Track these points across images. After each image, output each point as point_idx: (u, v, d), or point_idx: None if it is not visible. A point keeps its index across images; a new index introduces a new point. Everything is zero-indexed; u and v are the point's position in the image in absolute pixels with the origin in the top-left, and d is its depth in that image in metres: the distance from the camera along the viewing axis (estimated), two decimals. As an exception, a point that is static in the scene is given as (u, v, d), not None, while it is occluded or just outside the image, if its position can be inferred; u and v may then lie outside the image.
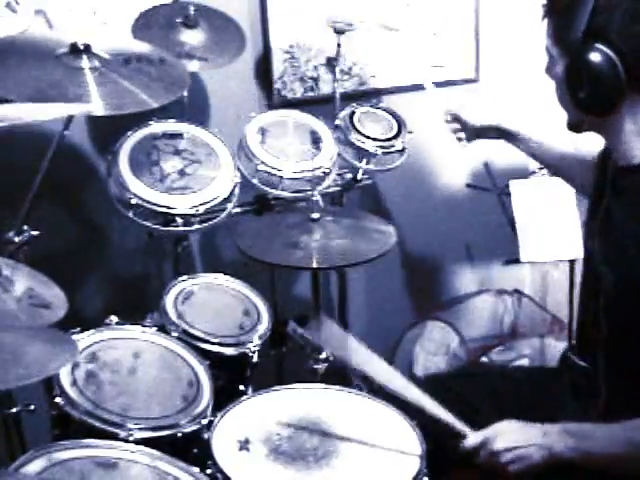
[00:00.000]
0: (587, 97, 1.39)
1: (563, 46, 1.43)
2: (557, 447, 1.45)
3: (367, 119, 2.39)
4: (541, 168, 2.71)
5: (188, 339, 1.82)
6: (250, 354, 1.89)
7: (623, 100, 1.39)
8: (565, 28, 1.40)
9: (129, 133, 2.07)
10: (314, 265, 1.99)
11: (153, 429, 1.54)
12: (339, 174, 2.37)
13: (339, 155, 2.31)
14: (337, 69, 2.44)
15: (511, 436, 1.48)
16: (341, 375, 2.53)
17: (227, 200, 2.07)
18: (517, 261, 2.51)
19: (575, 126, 1.50)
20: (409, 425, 1.58)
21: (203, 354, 1.79)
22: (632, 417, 1.42)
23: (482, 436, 1.51)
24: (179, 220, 2.01)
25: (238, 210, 2.19)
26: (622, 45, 1.35)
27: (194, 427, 1.58)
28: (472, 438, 1.53)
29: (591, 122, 1.46)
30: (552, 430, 1.47)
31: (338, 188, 2.40)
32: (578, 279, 2.51)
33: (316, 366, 2.30)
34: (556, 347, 2.79)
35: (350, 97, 2.56)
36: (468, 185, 2.83)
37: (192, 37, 2.21)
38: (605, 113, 1.41)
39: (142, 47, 1.95)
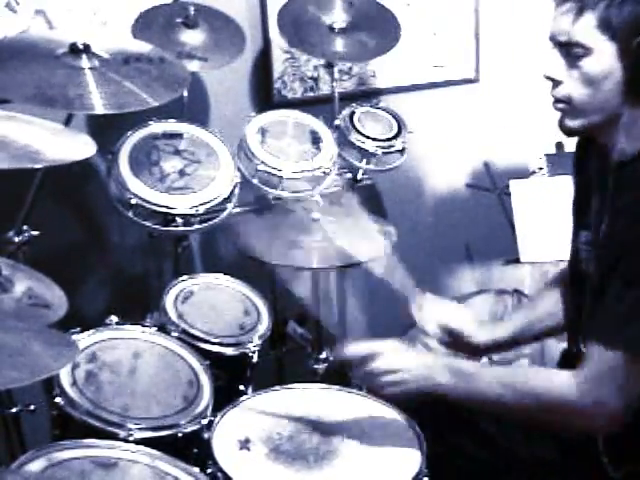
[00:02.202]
0: None
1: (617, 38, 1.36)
2: (436, 380, 1.47)
3: (367, 119, 2.39)
4: (541, 168, 2.72)
5: (188, 339, 1.82)
6: (250, 354, 1.89)
7: None
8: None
9: (129, 133, 2.07)
10: (314, 265, 1.99)
11: (153, 429, 1.54)
12: (339, 174, 2.37)
13: (339, 155, 2.31)
14: (335, 69, 2.44)
15: (393, 358, 1.49)
16: (341, 375, 2.53)
17: (227, 200, 2.07)
18: (517, 261, 2.51)
19: (595, 128, 1.45)
20: (409, 425, 1.58)
21: (203, 354, 1.79)
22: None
23: (364, 351, 1.50)
24: (179, 220, 2.01)
25: (238, 210, 2.19)
26: None
27: (194, 427, 1.58)
28: (351, 349, 1.52)
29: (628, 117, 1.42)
30: (435, 363, 1.49)
31: (338, 188, 2.40)
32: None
33: (316, 366, 2.30)
34: (556, 347, 2.79)
35: (350, 97, 2.56)
36: (468, 185, 2.83)
37: (192, 37, 2.22)
38: None
39: (142, 47, 1.95)
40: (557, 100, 1.44)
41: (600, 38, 1.35)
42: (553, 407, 1.41)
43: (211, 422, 1.57)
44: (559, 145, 2.87)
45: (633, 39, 1.32)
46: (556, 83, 1.42)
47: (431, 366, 1.48)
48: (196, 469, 1.40)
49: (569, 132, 1.47)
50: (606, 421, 1.38)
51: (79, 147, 1.54)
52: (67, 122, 1.85)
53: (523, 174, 2.67)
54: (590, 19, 1.35)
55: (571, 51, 1.38)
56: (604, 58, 1.36)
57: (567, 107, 1.43)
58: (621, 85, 1.36)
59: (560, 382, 1.42)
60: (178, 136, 2.12)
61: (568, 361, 1.69)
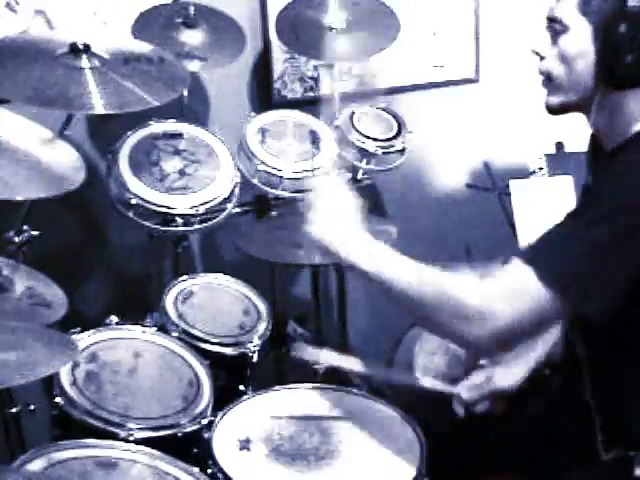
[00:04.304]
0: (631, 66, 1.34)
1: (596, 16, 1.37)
2: (349, 257, 1.49)
3: (367, 119, 2.39)
4: (541, 168, 2.71)
5: (188, 339, 1.82)
6: (250, 354, 1.89)
7: None
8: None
9: (129, 133, 2.07)
10: (314, 261, 1.99)
11: (153, 429, 1.54)
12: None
13: (339, 155, 2.31)
14: (335, 69, 2.44)
15: (327, 217, 1.47)
16: (341, 375, 2.53)
17: (227, 200, 2.07)
18: (517, 261, 2.50)
19: (573, 106, 1.47)
20: (409, 425, 1.58)
21: (203, 354, 1.79)
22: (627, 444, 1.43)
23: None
24: (179, 220, 2.01)
25: (238, 210, 2.19)
26: None
27: (194, 427, 1.58)
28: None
29: (603, 100, 1.43)
30: (353, 243, 1.49)
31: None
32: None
33: (316, 366, 2.30)
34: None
35: (350, 97, 2.56)
36: (468, 185, 2.83)
37: (192, 37, 2.22)
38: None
39: (142, 47, 1.95)
40: (541, 75, 1.46)
41: (578, 18, 1.37)
42: (452, 302, 1.40)
43: (211, 422, 1.57)
44: (559, 145, 2.87)
45: (608, 23, 1.33)
46: (541, 58, 1.45)
47: (348, 243, 1.47)
48: (196, 469, 1.40)
49: (550, 109, 1.48)
50: (489, 334, 1.34)
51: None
52: (67, 122, 1.85)
53: (523, 174, 2.67)
54: None
55: (553, 27, 1.41)
56: (580, 37, 1.38)
57: (548, 83, 1.45)
58: (594, 66, 1.37)
59: (470, 283, 1.43)
60: (178, 136, 2.13)
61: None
